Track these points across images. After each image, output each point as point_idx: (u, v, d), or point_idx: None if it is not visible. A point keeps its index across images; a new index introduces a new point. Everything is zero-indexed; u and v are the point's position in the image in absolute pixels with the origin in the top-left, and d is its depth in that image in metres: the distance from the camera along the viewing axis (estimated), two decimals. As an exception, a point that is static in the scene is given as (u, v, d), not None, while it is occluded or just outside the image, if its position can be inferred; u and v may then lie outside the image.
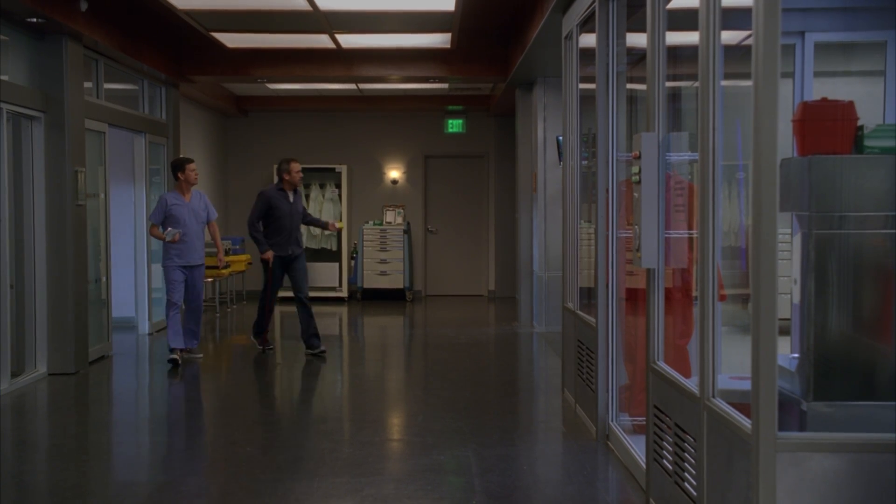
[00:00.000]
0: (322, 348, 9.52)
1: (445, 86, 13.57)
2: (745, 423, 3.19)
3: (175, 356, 8.96)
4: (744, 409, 3.61)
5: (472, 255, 16.09)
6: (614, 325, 5.92)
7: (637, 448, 5.39)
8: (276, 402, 7.51)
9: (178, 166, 9.09)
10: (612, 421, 5.90)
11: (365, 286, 15.25)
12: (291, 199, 9.49)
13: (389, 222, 15.50)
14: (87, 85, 9.15)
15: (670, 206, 4.68)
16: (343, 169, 15.30)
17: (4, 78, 7.93)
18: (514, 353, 10.30)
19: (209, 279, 12.86)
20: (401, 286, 15.24)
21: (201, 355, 9.42)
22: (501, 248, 15.70)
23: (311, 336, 9.55)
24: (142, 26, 10.03)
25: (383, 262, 15.25)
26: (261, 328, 9.76)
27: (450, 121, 15.79)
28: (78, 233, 8.66)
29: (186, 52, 11.46)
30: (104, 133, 9.91)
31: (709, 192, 3.68)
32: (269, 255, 9.35)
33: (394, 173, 15.91)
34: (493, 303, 15.17)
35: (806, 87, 6.86)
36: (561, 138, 11.00)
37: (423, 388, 8.08)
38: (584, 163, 10.93)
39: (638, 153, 4.37)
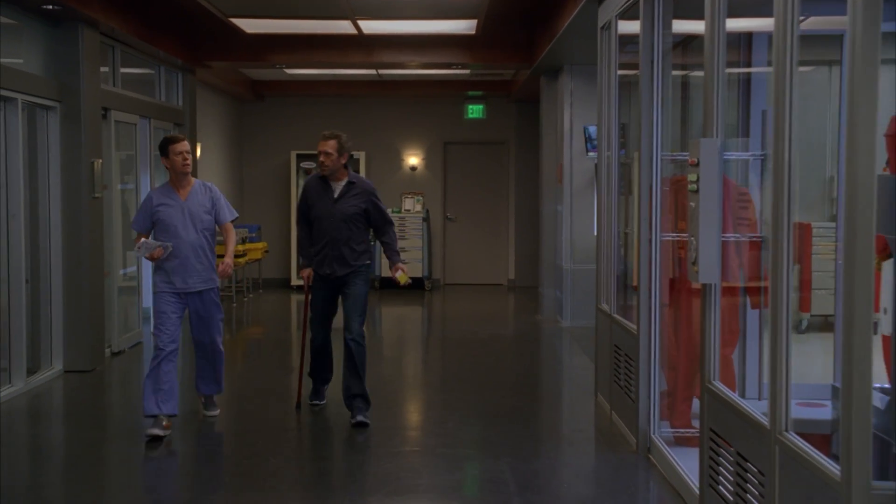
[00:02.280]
0: (366, 419, 6.32)
1: (466, 71, 13.26)
2: (831, 467, 2.92)
3: (155, 430, 5.94)
4: (817, 441, 3.35)
5: (491, 244, 15.80)
6: (656, 333, 5.64)
7: (683, 464, 5.13)
8: (297, 407, 7.25)
9: (161, 149, 6.27)
10: (653, 433, 5.63)
11: (382, 275, 14.98)
12: (337, 192, 6.44)
13: (408, 210, 15.22)
14: (104, 69, 8.85)
15: (729, 216, 4.40)
16: (361, 156, 15.01)
17: (19, 62, 7.67)
18: (541, 350, 10.04)
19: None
20: (419, 275, 14.98)
21: (217, 411, 6.60)
22: (522, 236, 15.41)
23: (354, 397, 6.41)
24: (159, 12, 9.74)
25: (401, 250, 14.90)
26: (314, 371, 6.86)
27: (470, 106, 15.48)
28: (94, 226, 8.40)
29: (204, 37, 11.16)
30: (135, 125, 9.67)
31: (783, 194, 3.38)
32: (305, 272, 6.67)
33: (412, 160, 15.62)
34: (513, 292, 14.90)
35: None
36: (589, 128, 10.75)
37: (449, 391, 7.83)
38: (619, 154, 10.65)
39: (696, 160, 4.08)
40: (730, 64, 7.50)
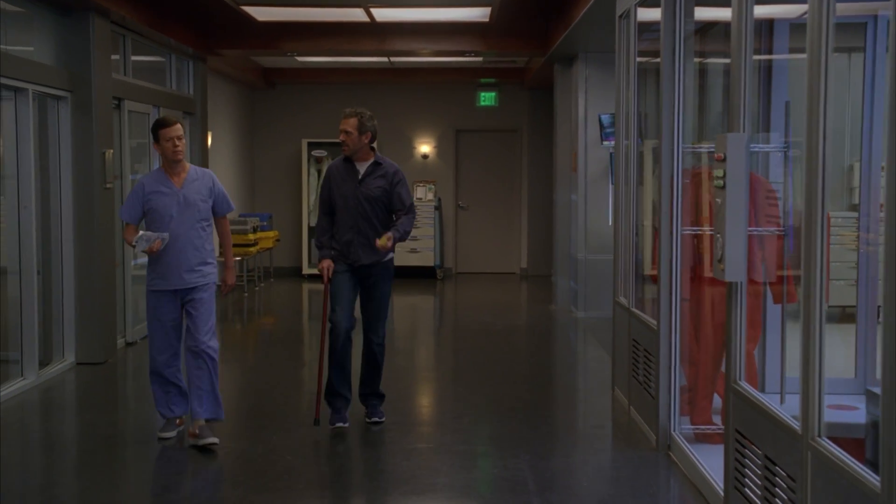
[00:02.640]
0: (382, 418, 6.20)
1: (478, 59, 13.13)
2: (870, 477, 2.82)
3: (167, 433, 5.82)
4: (849, 446, 3.26)
5: (503, 232, 15.70)
6: (677, 328, 5.54)
7: (705, 462, 5.05)
8: (309, 400, 7.19)
9: (153, 133, 5.71)
10: (673, 430, 5.54)
11: (395, 264, 14.87)
12: (361, 173, 5.96)
13: (420, 198, 15.12)
14: (115, 58, 8.76)
15: (755, 212, 4.30)
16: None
17: (30, 51, 7.59)
18: (556, 342, 9.96)
19: (236, 258, 12.38)
20: (431, 264, 14.89)
21: (215, 440, 5.62)
22: (534, 225, 15.30)
23: (369, 395, 6.25)
24: (169, 0, 9.64)
25: (413, 238, 14.85)
26: (332, 389, 6.08)
27: (482, 94, 15.35)
28: (106, 217, 8.33)
29: (215, 25, 11.06)
30: (148, 114, 9.60)
31: (817, 186, 3.27)
32: (324, 264, 5.97)
33: (424, 148, 15.52)
34: (525, 281, 14.81)
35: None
36: (604, 116, 10.62)
37: (463, 384, 7.75)
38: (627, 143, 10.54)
39: (723, 155, 3.98)
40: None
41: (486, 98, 15.38)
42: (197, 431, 5.63)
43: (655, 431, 5.64)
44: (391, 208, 6.01)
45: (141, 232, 5.53)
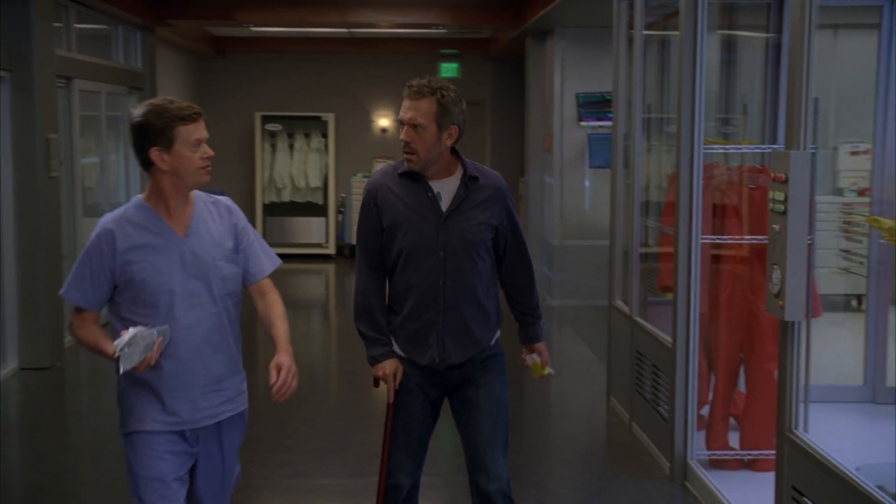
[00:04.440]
0: None
1: (443, 30, 12.50)
2: None
3: None
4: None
5: (466, 209, 15.15)
6: (695, 348, 5.07)
7: (726, 493, 4.61)
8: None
9: (146, 133, 2.97)
10: (690, 458, 5.09)
11: (353, 242, 14.29)
12: (446, 197, 3.41)
13: (380, 175, 14.46)
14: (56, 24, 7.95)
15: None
16: (330, 117, 14.21)
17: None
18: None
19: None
20: (392, 243, 14.29)
21: None
22: (498, 202, 14.76)
23: None
24: (116, -33, 8.87)
25: (373, 216, 14.25)
26: None
27: (443, 65, 14.70)
28: (51, 207, 7.61)
29: (164, -7, 10.29)
30: (100, 93, 8.87)
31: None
32: (383, 367, 3.48)
33: (384, 121, 14.85)
34: (489, 261, 14.30)
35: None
36: (582, 95, 10.09)
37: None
38: (594, 123, 10.09)
39: (784, 176, 3.47)
40: (757, 27, 6.98)
41: (448, 69, 14.73)
42: None
43: (669, 458, 5.18)
44: (498, 254, 3.54)
45: (131, 331, 2.88)
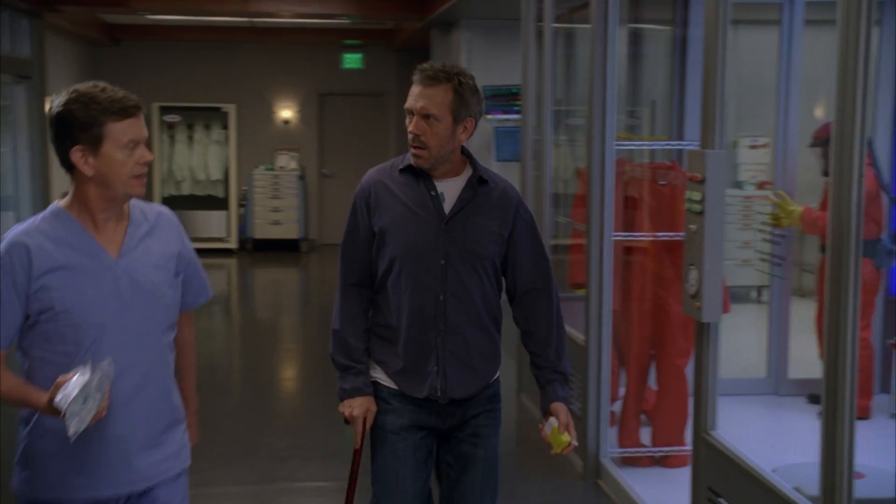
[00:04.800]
0: None
1: (346, 20, 12.30)
2: None
3: None
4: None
5: (370, 202, 14.96)
6: (608, 345, 5.04)
7: (640, 492, 4.59)
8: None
9: (68, 128, 2.34)
10: (603, 457, 5.06)
11: (256, 236, 13.99)
12: (450, 198, 2.91)
13: (282, 167, 14.20)
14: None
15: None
16: (231, 108, 13.87)
17: None
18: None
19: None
20: (295, 236, 14.05)
21: None
22: (403, 194, 14.63)
23: None
24: (1, -50, 8.42)
25: (276, 210, 14.00)
26: None
27: (347, 55, 14.49)
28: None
29: (54, -22, 9.83)
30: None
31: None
32: (351, 405, 2.94)
33: (286, 113, 14.57)
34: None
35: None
36: (488, 88, 10.01)
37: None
38: (501, 116, 10.06)
39: (701, 177, 3.43)
40: (662, 21, 6.99)
41: (352, 60, 14.54)
42: None
43: (582, 457, 5.14)
44: (512, 275, 2.99)
45: (77, 380, 2.20)
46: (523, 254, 2.95)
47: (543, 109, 6.18)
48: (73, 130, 2.32)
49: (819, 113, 9.28)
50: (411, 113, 2.85)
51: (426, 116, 2.81)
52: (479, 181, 2.92)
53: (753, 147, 9.86)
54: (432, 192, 2.88)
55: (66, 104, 2.33)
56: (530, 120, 6.51)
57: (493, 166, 10.01)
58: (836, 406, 2.75)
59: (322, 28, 13.38)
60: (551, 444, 2.84)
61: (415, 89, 2.84)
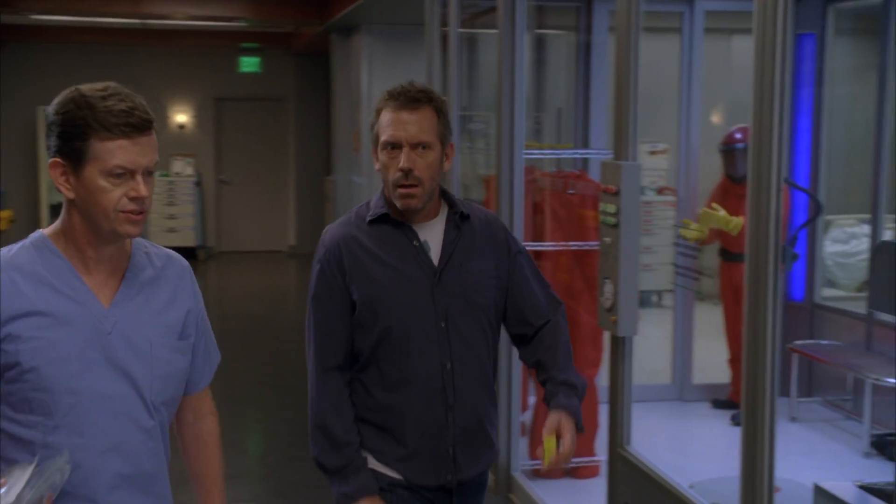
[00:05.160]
0: None
1: (243, 23, 12.02)
2: None
3: None
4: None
5: (270, 208, 14.70)
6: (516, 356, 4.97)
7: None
8: None
9: (53, 133, 1.88)
10: (514, 470, 4.99)
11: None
12: (435, 245, 2.46)
13: (178, 173, 13.83)
14: None
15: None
16: (123, 113, 13.40)
17: None
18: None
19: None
20: (192, 244, 13.68)
21: None
22: (304, 199, 14.40)
23: None
24: None
25: (171, 217, 13.62)
26: None
27: (244, 59, 14.19)
28: None
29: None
30: None
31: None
32: None
33: (181, 117, 14.20)
34: (295, 260, 13.95)
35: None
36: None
37: (238, 401, 6.86)
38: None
39: (615, 189, 3.37)
40: (566, 27, 6.98)
41: (249, 64, 14.25)
42: None
43: (493, 471, 5.06)
44: (514, 313, 2.56)
45: (15, 479, 1.71)
46: (530, 292, 2.54)
47: (450, 115, 6.08)
48: (55, 138, 1.86)
49: (716, 119, 9.46)
50: (394, 146, 2.34)
51: (417, 146, 2.34)
52: (462, 218, 2.47)
53: (653, 153, 9.98)
54: (415, 243, 2.41)
55: (60, 103, 1.87)
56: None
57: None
58: (755, 420, 2.72)
59: (218, 31, 13.07)
60: (544, 455, 2.39)
61: (395, 116, 2.34)
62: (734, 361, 5.99)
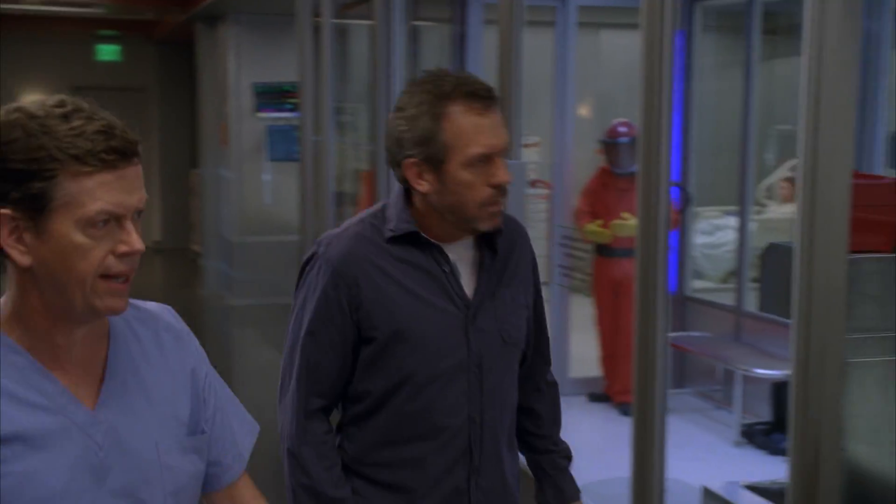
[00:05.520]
0: None
1: (99, 10, 11.53)
2: None
3: None
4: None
5: (132, 202, 14.17)
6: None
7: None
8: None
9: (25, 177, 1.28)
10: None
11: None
12: (468, 273, 1.96)
13: (33, 167, 13.16)
14: None
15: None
16: (-29, 103, 12.70)
17: None
18: (216, 338, 8.94)
19: None
20: (49, 241, 13.07)
21: None
22: (169, 193, 13.93)
23: None
24: None
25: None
26: None
27: (102, 47, 13.63)
28: None
29: None
30: None
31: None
32: None
33: (35, 108, 13.52)
34: (161, 255, 13.49)
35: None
36: (259, 85, 9.66)
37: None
38: (273, 114, 9.74)
39: (501, 187, 3.32)
40: (440, 19, 6.92)
41: (108, 52, 13.71)
42: None
43: None
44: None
45: None
46: (539, 315, 2.11)
47: (323, 109, 5.95)
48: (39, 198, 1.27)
49: (584, 112, 9.58)
50: (489, 157, 1.86)
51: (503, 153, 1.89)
52: (497, 234, 1.97)
53: (525, 146, 10.02)
54: (445, 268, 1.93)
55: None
56: (309, 119, 6.27)
57: (267, 166, 9.69)
58: (645, 420, 2.72)
59: (75, 17, 12.49)
60: None
61: (483, 120, 1.86)
62: (607, 359, 6.03)
